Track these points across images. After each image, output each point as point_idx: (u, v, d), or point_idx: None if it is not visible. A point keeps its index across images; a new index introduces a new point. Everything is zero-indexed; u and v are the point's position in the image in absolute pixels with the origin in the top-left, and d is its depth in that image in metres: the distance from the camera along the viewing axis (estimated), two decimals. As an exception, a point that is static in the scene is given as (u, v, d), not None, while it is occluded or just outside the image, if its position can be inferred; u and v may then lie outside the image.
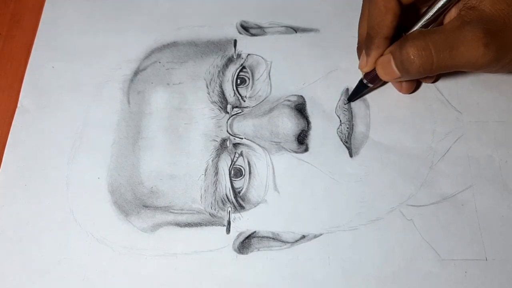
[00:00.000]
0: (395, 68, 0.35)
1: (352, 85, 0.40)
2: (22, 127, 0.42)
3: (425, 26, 0.35)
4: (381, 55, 0.36)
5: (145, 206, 0.38)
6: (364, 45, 0.37)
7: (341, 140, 0.39)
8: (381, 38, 0.35)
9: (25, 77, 0.44)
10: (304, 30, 0.44)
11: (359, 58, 0.39)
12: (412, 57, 0.33)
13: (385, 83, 0.40)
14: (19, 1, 0.48)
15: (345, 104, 0.40)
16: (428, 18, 0.35)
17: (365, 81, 0.38)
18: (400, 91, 0.40)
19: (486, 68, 0.34)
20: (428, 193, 0.37)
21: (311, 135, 0.39)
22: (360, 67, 0.38)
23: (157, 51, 0.44)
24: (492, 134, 0.38)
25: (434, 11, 0.34)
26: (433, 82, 0.40)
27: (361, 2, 0.38)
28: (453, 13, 0.34)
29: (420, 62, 0.33)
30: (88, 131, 0.41)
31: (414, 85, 0.40)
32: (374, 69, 0.37)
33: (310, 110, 0.40)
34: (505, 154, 0.38)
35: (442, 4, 0.34)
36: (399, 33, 0.35)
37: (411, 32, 0.35)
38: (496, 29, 0.32)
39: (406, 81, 0.39)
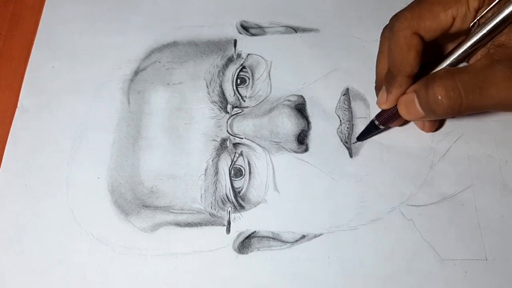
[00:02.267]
0: (419, 108, 0.33)
1: (352, 85, 0.40)
2: (22, 127, 0.42)
3: (452, 65, 0.33)
4: (403, 93, 0.34)
5: (145, 206, 0.38)
6: (385, 82, 0.35)
7: (341, 140, 0.39)
8: (403, 76, 0.33)
9: (25, 77, 0.44)
10: (304, 30, 0.44)
11: (377, 95, 0.37)
12: (439, 97, 0.31)
13: (401, 124, 0.39)
14: (19, 1, 0.48)
15: (353, 143, 0.39)
16: (456, 57, 0.33)
17: (376, 123, 0.37)
18: (422, 129, 0.38)
19: None
20: (428, 193, 0.37)
21: (311, 135, 0.39)
22: (378, 104, 0.36)
23: (157, 51, 0.44)
24: (492, 134, 0.38)
25: (463, 50, 0.32)
26: (434, 131, 0.38)
27: (361, 2, 0.38)
28: (480, 52, 0.32)
29: (449, 103, 0.31)
30: (88, 131, 0.41)
31: (437, 124, 0.38)
32: (387, 110, 0.36)
33: (310, 110, 0.40)
34: (505, 154, 0.38)
35: (472, 43, 0.32)
36: (421, 71, 0.33)
37: (438, 71, 0.33)
38: None
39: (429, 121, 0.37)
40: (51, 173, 0.40)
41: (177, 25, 0.45)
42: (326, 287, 0.35)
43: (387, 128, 0.38)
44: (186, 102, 0.41)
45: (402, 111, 0.35)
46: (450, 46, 0.34)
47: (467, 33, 0.32)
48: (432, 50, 0.35)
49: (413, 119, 0.36)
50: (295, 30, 0.44)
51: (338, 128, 0.39)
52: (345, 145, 0.39)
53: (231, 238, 0.37)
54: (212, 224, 0.37)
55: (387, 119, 0.36)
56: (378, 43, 0.39)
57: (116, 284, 0.36)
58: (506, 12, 0.30)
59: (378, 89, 0.37)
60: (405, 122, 0.39)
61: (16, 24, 0.47)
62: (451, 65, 0.33)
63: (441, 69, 0.33)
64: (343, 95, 0.40)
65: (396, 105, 0.35)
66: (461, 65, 0.33)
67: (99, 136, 0.41)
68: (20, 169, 0.40)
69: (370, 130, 0.38)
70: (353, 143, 0.39)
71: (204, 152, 0.39)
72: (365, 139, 0.39)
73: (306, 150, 0.39)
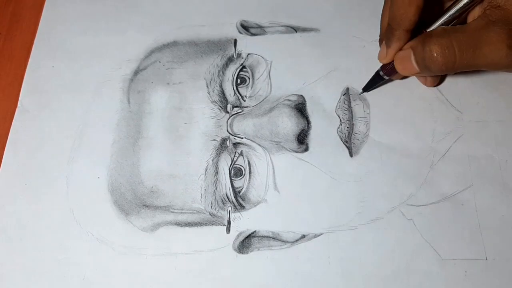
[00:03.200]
0: (414, 64, 0.35)
1: (352, 84, 0.40)
2: (22, 126, 0.42)
3: (447, 22, 0.34)
4: (401, 48, 0.36)
5: (145, 206, 0.38)
6: (385, 37, 0.37)
7: (341, 139, 0.39)
8: (402, 30, 0.34)
9: (25, 77, 0.44)
10: (304, 29, 0.44)
11: (380, 46, 0.38)
12: (435, 55, 0.33)
13: (403, 77, 0.40)
14: (19, 1, 0.48)
15: (359, 94, 0.40)
16: (452, 14, 0.34)
17: (381, 73, 0.38)
18: (425, 84, 0.40)
19: (507, 69, 0.34)
20: (428, 192, 0.37)
21: (311, 134, 0.39)
22: (379, 58, 0.38)
23: (157, 51, 0.44)
24: (492, 133, 0.38)
25: (459, 7, 0.34)
26: (436, 86, 0.40)
27: (361, 2, 0.38)
28: (477, 11, 0.34)
29: (443, 60, 0.33)
30: (88, 131, 0.41)
31: (438, 79, 0.39)
32: (392, 62, 0.37)
33: (310, 109, 0.40)
34: (505, 154, 0.38)
35: (467, 1, 0.33)
36: (419, 27, 0.35)
37: (435, 29, 0.34)
38: None
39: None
40: (51, 173, 0.40)
41: (177, 25, 0.45)
42: (326, 287, 0.35)
43: (390, 80, 0.40)
44: (186, 102, 0.41)
45: (398, 66, 0.36)
46: (449, 5, 0.35)
47: None
48: (431, 8, 0.35)
49: (408, 74, 0.38)
50: (295, 29, 0.44)
51: (338, 127, 0.39)
52: (345, 145, 0.39)
53: (231, 237, 0.36)
54: (212, 224, 0.37)
55: (390, 71, 0.37)
56: (378, 43, 0.39)
57: (116, 284, 0.36)
58: None
59: (381, 42, 0.39)
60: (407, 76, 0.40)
61: (16, 24, 0.47)
62: (447, 22, 0.34)
63: (438, 27, 0.35)
64: (343, 94, 0.40)
65: None
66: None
67: (99, 136, 0.41)
68: (20, 169, 0.40)
69: (375, 81, 0.39)
70: (359, 94, 0.40)
71: (204, 152, 0.39)
72: (370, 90, 0.40)
73: (306, 149, 0.39)
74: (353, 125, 0.39)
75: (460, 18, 0.34)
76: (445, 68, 0.33)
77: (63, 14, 0.47)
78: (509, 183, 0.37)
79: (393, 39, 0.35)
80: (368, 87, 0.40)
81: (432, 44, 0.33)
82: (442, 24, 0.34)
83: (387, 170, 0.38)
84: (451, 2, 0.35)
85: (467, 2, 0.33)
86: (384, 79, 0.39)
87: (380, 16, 0.39)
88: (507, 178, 0.37)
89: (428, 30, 0.35)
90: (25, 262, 0.37)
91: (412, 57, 0.34)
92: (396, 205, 0.36)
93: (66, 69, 0.44)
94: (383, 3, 0.38)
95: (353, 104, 0.40)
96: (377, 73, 0.39)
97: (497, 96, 0.39)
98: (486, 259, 0.35)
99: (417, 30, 0.35)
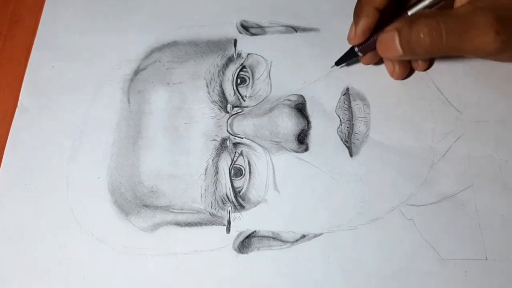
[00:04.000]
0: (398, 46, 0.34)
1: (352, 84, 0.40)
2: (22, 126, 0.42)
3: (429, 7, 0.34)
4: (370, 26, 0.36)
5: (145, 206, 0.38)
6: (354, 16, 0.36)
7: (341, 139, 0.39)
8: (371, 7, 0.35)
9: (25, 76, 0.44)
10: (304, 29, 0.43)
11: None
12: (422, 35, 0.33)
13: (376, 62, 0.40)
14: (19, 1, 0.48)
15: (331, 67, 0.40)
16: None
17: (356, 49, 0.38)
18: (391, 75, 0.39)
19: (494, 55, 0.34)
20: (428, 192, 0.37)
21: (311, 134, 0.39)
22: (348, 40, 0.38)
23: (157, 51, 0.44)
24: (492, 133, 0.38)
25: None
26: (425, 70, 0.40)
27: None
28: None
29: (430, 42, 0.33)
30: (88, 131, 0.41)
31: (407, 71, 0.39)
32: (368, 40, 0.37)
33: (310, 109, 0.40)
34: (505, 154, 0.38)
35: None
36: (395, 12, 0.35)
37: (423, 11, 0.34)
38: (509, 17, 0.32)
39: (400, 64, 0.38)
40: (51, 173, 0.40)
41: (177, 24, 0.45)
42: (326, 287, 0.35)
43: (366, 60, 0.39)
44: (186, 102, 0.41)
45: (380, 48, 0.36)
46: None
47: None
48: None
49: (389, 57, 0.37)
50: (295, 29, 0.44)
51: (338, 127, 0.39)
52: (345, 145, 0.39)
53: (231, 237, 0.37)
54: (212, 224, 0.37)
55: (365, 48, 0.37)
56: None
57: (116, 284, 0.36)
58: None
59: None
60: (380, 61, 0.40)
61: (16, 24, 0.47)
62: (429, 7, 0.35)
63: (419, 9, 0.35)
64: (343, 94, 0.40)
65: (373, 37, 0.36)
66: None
67: (99, 136, 0.41)
68: (20, 169, 0.40)
69: (349, 56, 0.39)
70: (331, 67, 0.40)
71: (204, 152, 0.39)
72: (343, 65, 0.40)
73: (306, 149, 0.39)
74: (353, 125, 0.39)
75: (443, 2, 0.34)
76: (430, 50, 0.33)
77: (63, 14, 0.47)
78: (509, 183, 0.37)
79: (361, 15, 0.35)
80: (341, 62, 0.40)
81: (420, 25, 0.33)
82: (425, 8, 0.35)
83: (387, 170, 0.38)
84: None
85: None
86: (358, 55, 0.39)
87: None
88: (507, 178, 0.37)
89: (410, 13, 0.35)
90: (25, 262, 0.37)
91: (397, 39, 0.34)
92: (396, 205, 0.36)
93: (66, 69, 0.44)
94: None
95: (353, 104, 0.40)
96: (352, 48, 0.38)
97: (497, 96, 0.39)
98: (486, 259, 0.34)
99: (394, 14, 0.35)
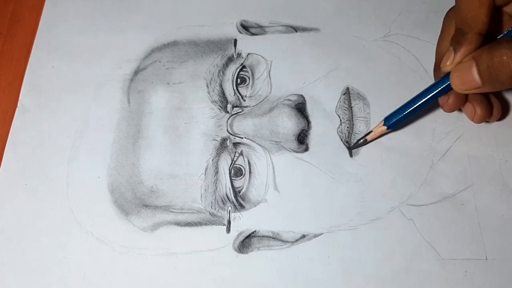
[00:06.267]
0: (476, 76, 0.31)
1: (352, 84, 0.40)
2: (22, 126, 0.42)
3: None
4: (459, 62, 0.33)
5: (145, 206, 0.38)
6: (452, 42, 0.33)
7: (341, 139, 0.39)
8: (475, 33, 0.32)
9: (25, 76, 0.44)
10: (304, 29, 0.44)
11: (435, 76, 0.36)
12: (505, 58, 0.30)
13: (461, 104, 0.36)
14: (19, 1, 0.48)
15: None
16: None
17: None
18: (471, 118, 0.36)
19: None
20: (428, 192, 0.37)
21: (311, 134, 0.39)
22: (442, 66, 0.34)
23: (157, 51, 0.44)
24: (492, 133, 0.38)
25: None
26: (488, 119, 0.37)
27: (361, 2, 0.38)
28: None
29: None
30: (88, 131, 0.41)
31: (489, 113, 0.36)
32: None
33: (310, 109, 0.40)
34: (505, 154, 0.38)
35: None
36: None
37: (504, 38, 0.32)
38: None
39: (481, 104, 0.36)
40: (51, 173, 0.40)
41: (177, 24, 0.45)
42: (326, 287, 0.35)
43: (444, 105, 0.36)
44: (186, 102, 0.41)
45: (455, 80, 0.33)
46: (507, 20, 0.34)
47: None
48: (495, 19, 0.33)
49: (465, 89, 0.33)
50: (295, 29, 0.44)
51: (338, 127, 0.39)
52: (345, 145, 0.39)
53: (231, 237, 0.36)
54: (212, 224, 0.37)
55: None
56: (378, 42, 0.39)
57: (116, 284, 0.36)
58: None
59: (436, 68, 0.36)
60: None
61: (16, 24, 0.47)
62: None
63: (503, 36, 0.33)
64: (343, 94, 0.40)
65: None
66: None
67: (99, 136, 0.41)
68: (20, 169, 0.40)
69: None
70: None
71: (204, 152, 0.39)
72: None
73: (306, 149, 0.39)
74: (353, 125, 0.39)
75: None
76: None
77: (63, 14, 0.47)
78: (509, 183, 0.37)
79: (463, 43, 0.32)
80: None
81: (503, 49, 0.30)
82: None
83: (387, 170, 0.38)
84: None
85: None
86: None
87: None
88: (507, 178, 0.37)
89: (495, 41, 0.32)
90: (25, 262, 0.37)
91: (474, 68, 0.31)
92: (396, 205, 0.36)
93: (66, 69, 0.44)
94: (383, 2, 0.38)
95: (353, 103, 0.40)
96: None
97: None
98: (486, 259, 0.34)
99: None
